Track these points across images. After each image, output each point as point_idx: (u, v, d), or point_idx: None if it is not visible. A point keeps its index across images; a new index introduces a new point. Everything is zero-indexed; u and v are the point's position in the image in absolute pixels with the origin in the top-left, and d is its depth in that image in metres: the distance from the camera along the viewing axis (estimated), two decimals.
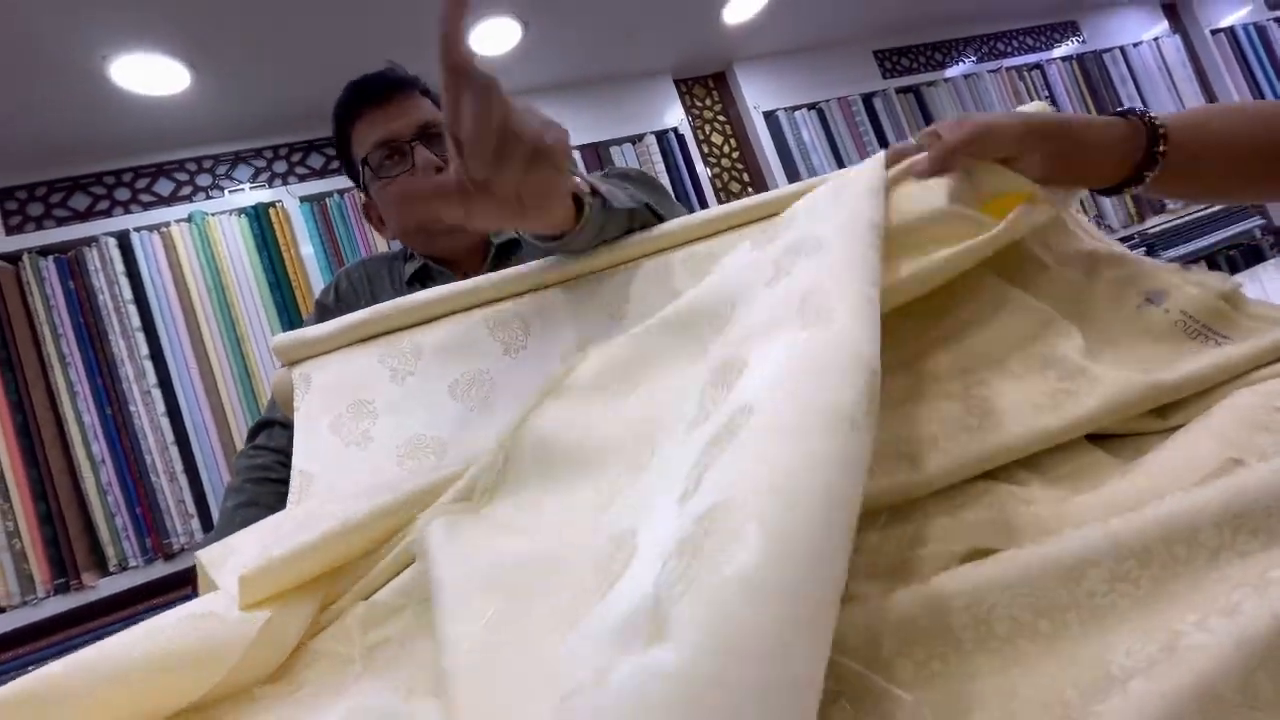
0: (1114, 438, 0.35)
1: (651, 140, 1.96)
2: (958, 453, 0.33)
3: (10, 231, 1.43)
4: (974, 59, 2.45)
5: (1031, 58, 2.49)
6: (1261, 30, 2.68)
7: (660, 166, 1.94)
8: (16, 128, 1.34)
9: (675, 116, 2.04)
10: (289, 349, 0.47)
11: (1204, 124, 0.42)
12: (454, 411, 0.44)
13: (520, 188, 0.36)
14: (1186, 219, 2.39)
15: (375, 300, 0.77)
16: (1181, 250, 2.31)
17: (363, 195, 0.80)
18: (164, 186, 1.56)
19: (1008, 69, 2.39)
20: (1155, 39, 2.60)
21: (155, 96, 1.38)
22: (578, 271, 0.50)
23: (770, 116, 2.10)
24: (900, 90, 2.25)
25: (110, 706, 0.26)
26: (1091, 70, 2.49)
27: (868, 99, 2.19)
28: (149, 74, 1.32)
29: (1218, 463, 0.28)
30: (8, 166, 1.43)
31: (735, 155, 2.16)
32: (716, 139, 2.16)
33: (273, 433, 0.74)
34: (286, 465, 0.69)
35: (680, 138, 2.01)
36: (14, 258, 1.38)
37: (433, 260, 0.79)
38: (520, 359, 0.46)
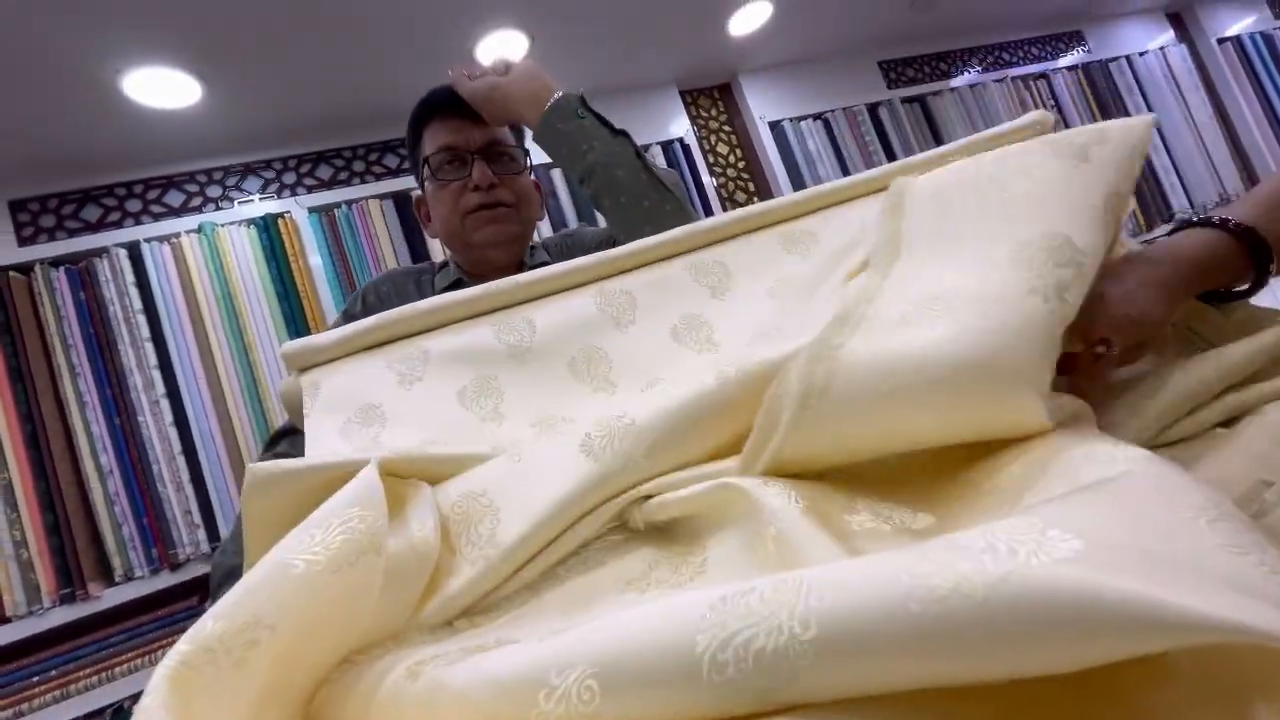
0: None
1: (657, 150, 1.97)
2: None
3: (23, 243, 1.44)
4: (979, 69, 2.45)
5: (1037, 67, 2.49)
6: (1269, 39, 2.67)
7: None
8: (30, 140, 1.36)
9: (681, 127, 2.05)
10: (298, 355, 0.47)
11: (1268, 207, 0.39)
12: (462, 419, 0.44)
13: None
14: None
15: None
16: None
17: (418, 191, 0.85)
18: (174, 198, 1.58)
19: (1013, 78, 2.39)
20: (1161, 48, 2.60)
21: (166, 109, 1.40)
22: (596, 274, 0.50)
23: (776, 127, 2.11)
24: (905, 100, 2.25)
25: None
26: (1097, 80, 2.49)
27: (873, 109, 2.20)
28: (160, 87, 1.33)
29: (1249, 484, 0.27)
30: (21, 178, 1.44)
31: (741, 165, 2.17)
32: (722, 149, 2.16)
33: (295, 441, 0.74)
34: None
35: (686, 148, 2.01)
36: (26, 268, 1.40)
37: (467, 275, 0.82)
38: (527, 362, 0.46)
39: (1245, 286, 0.40)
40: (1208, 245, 0.38)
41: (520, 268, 0.82)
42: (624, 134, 0.74)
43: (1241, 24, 2.71)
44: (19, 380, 1.33)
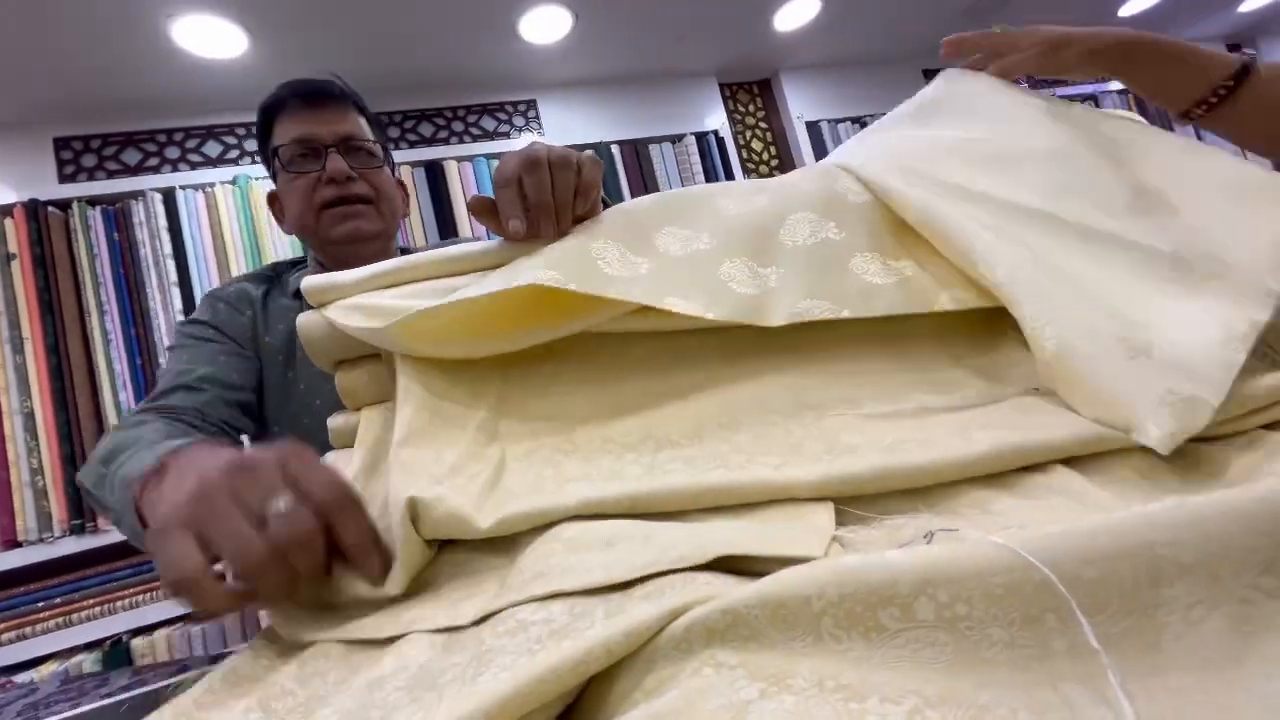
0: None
1: (691, 141, 1.96)
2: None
3: (64, 180, 1.48)
4: (1027, 83, 2.40)
5: (1087, 88, 2.43)
6: None
7: (698, 168, 1.93)
8: (79, 79, 1.39)
9: (717, 119, 2.03)
10: (321, 292, 0.47)
11: None
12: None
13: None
14: None
15: (263, 315, 0.78)
16: None
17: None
18: (212, 148, 1.60)
19: (1060, 96, 2.34)
20: None
21: (212, 59, 1.42)
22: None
23: (813, 127, 2.09)
24: None
25: None
26: (1148, 105, 2.43)
27: None
28: (208, 36, 1.35)
29: None
30: (68, 116, 1.47)
31: (774, 164, 2.15)
32: (756, 145, 2.14)
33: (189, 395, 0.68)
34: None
35: (720, 141, 2.00)
36: (64, 204, 1.43)
37: (326, 268, 0.78)
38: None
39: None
40: (1211, 57, 0.46)
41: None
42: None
43: None
44: (49, 313, 1.36)
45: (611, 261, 0.42)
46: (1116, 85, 2.48)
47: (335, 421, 0.50)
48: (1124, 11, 2.28)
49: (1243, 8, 2.43)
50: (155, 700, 0.34)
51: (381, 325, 0.40)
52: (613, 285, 0.40)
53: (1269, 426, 0.33)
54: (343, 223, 0.76)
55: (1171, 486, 0.30)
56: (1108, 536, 0.16)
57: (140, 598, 1.31)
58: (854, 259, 0.45)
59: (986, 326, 0.44)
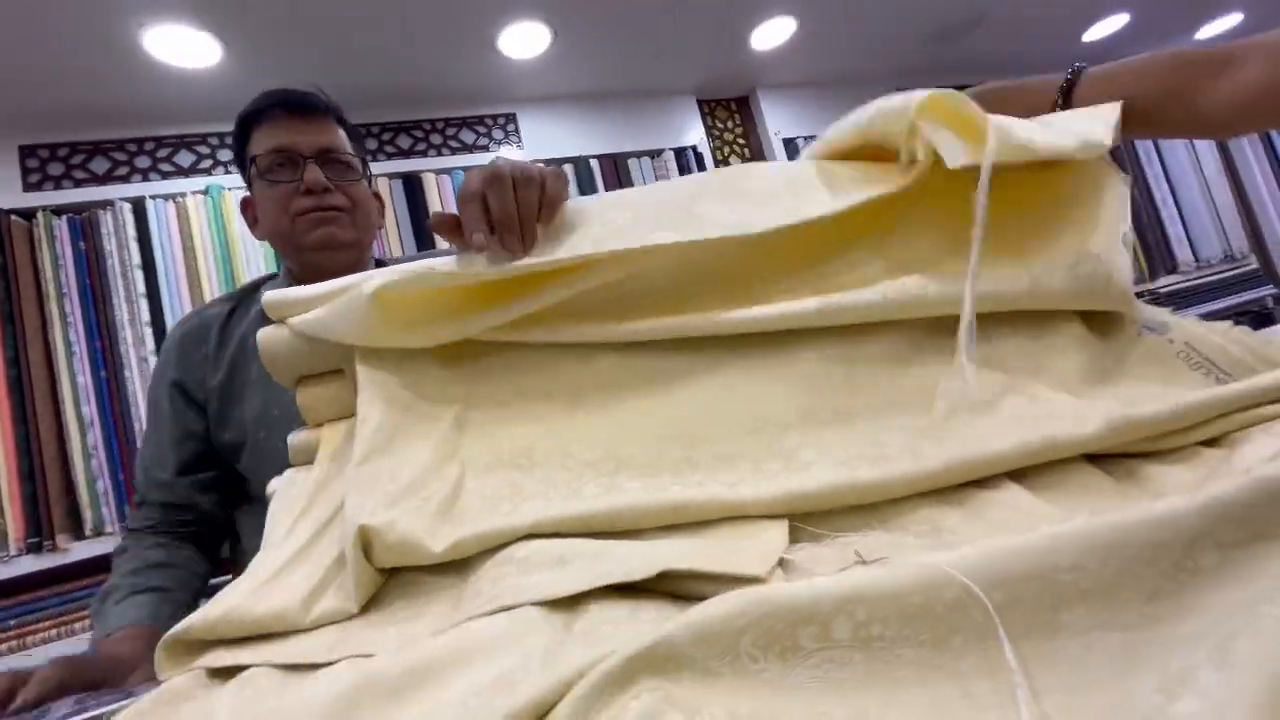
0: (1108, 458, 0.34)
1: (670, 156, 1.98)
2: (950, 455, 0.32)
3: (29, 188, 1.44)
4: None
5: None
6: None
7: None
8: (48, 87, 1.36)
9: (695, 135, 2.06)
10: (283, 306, 0.46)
11: (1113, 77, 0.49)
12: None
13: None
14: (1195, 281, 2.39)
15: (231, 341, 0.79)
16: (1193, 311, 2.31)
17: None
18: (184, 158, 1.58)
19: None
20: None
21: (184, 69, 1.40)
22: None
23: (790, 144, 2.12)
24: None
25: None
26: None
27: None
28: (181, 45, 1.34)
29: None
30: (34, 124, 1.44)
31: None
32: (735, 161, 2.17)
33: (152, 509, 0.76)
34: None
35: (699, 156, 2.02)
36: (29, 214, 1.39)
37: (301, 283, 0.79)
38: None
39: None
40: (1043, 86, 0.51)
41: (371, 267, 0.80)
42: None
43: None
44: (9, 323, 1.32)
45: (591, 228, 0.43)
46: None
47: (295, 439, 0.49)
48: (1088, 36, 2.37)
49: (1200, 34, 2.53)
50: None
51: (344, 307, 0.40)
52: (593, 243, 0.41)
53: (1209, 443, 0.34)
54: (317, 228, 0.76)
55: (1112, 506, 0.30)
56: (1018, 559, 0.16)
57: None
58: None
59: (944, 333, 0.45)
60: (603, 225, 0.42)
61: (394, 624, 0.29)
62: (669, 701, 0.17)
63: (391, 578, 0.34)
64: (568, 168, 1.81)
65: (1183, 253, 2.41)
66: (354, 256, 0.80)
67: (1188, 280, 2.39)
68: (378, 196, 0.86)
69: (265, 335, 0.47)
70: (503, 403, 0.44)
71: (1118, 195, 0.44)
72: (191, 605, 0.71)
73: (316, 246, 0.76)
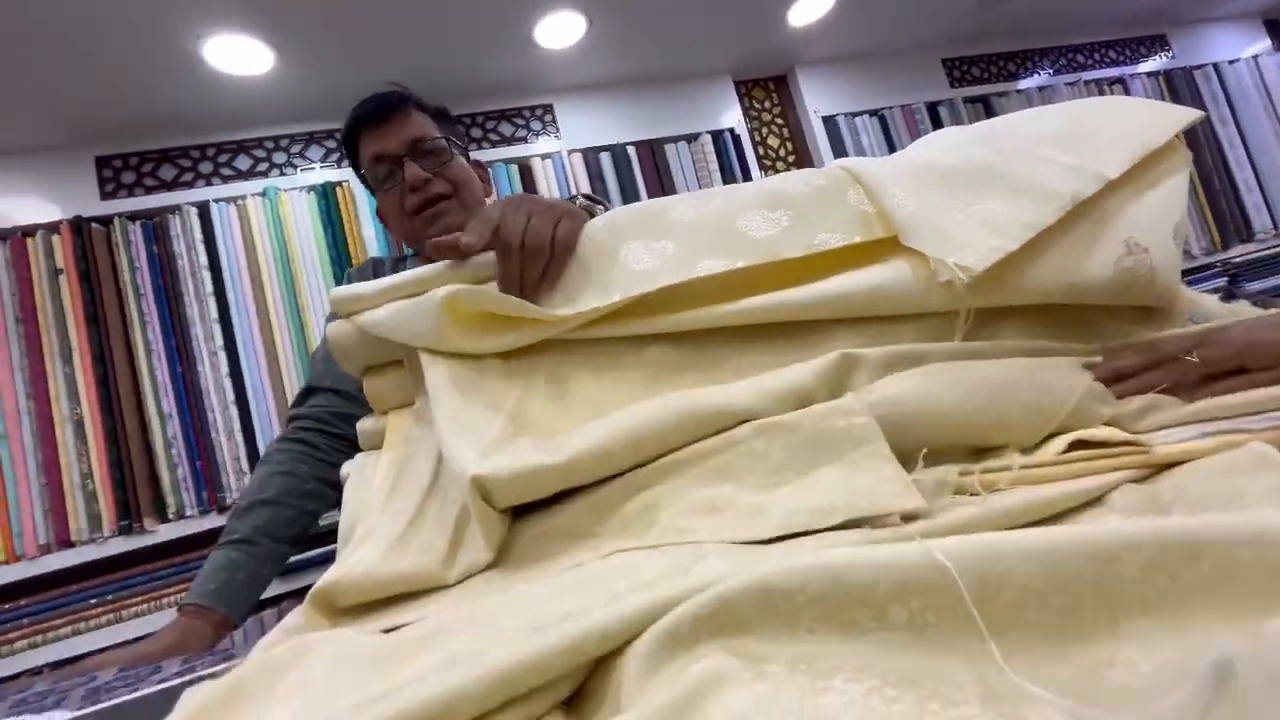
0: None
1: (707, 140, 1.96)
2: None
3: (105, 197, 1.54)
4: (1050, 70, 2.35)
5: (1113, 71, 2.37)
6: None
7: (714, 167, 1.94)
8: (119, 101, 1.45)
9: (733, 117, 2.03)
10: (349, 301, 0.49)
11: None
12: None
13: None
14: (1276, 249, 2.23)
15: None
16: (1269, 283, 2.16)
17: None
18: (243, 162, 1.66)
19: (1086, 82, 2.28)
20: (1255, 56, 2.44)
21: (241, 76, 1.47)
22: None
23: (829, 121, 2.07)
24: (968, 100, 2.18)
25: None
26: (1180, 87, 2.36)
27: (933, 107, 2.14)
28: (237, 55, 1.40)
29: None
30: (108, 137, 1.54)
31: (792, 159, 2.14)
32: (773, 141, 2.14)
33: (323, 396, 0.80)
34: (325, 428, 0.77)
35: (736, 138, 2.00)
36: (106, 220, 1.49)
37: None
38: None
39: None
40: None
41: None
42: None
43: None
44: (95, 325, 1.42)
45: (640, 258, 0.44)
46: (1146, 67, 2.42)
47: (364, 425, 0.52)
48: None
49: None
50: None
51: (412, 311, 0.43)
52: (640, 281, 0.42)
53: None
54: (433, 223, 0.81)
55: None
56: (1079, 557, 0.18)
57: (184, 594, 1.36)
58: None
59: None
60: (651, 256, 0.44)
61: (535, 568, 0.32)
62: (732, 652, 0.18)
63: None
64: (604, 156, 1.82)
65: (1260, 220, 2.26)
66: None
67: (1263, 249, 2.23)
68: (479, 165, 0.90)
69: (334, 330, 0.50)
70: (555, 394, 0.46)
71: (1176, 178, 0.42)
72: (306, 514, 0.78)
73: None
